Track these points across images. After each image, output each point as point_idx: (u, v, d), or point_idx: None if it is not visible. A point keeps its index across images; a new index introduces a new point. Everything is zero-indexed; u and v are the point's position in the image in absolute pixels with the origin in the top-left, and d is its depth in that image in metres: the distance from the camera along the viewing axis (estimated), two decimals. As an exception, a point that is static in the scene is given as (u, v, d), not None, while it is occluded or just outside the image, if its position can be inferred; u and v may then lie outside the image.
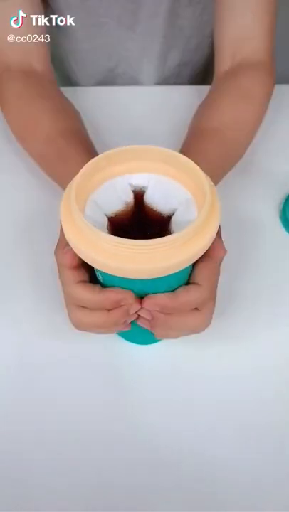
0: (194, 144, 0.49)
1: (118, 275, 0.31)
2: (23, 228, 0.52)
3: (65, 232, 0.32)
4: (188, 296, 0.34)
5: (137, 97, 0.67)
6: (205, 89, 0.59)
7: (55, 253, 0.37)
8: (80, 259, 0.33)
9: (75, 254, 0.33)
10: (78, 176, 0.32)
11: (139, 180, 0.35)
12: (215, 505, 0.38)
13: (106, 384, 0.43)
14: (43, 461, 0.39)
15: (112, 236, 0.29)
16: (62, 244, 0.35)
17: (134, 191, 0.35)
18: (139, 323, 0.37)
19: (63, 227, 0.32)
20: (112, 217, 0.34)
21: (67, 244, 0.33)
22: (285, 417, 0.42)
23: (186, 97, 0.65)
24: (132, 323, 0.38)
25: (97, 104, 0.64)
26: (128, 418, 0.41)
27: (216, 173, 0.47)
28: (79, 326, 0.37)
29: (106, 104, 0.65)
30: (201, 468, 0.39)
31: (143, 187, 0.35)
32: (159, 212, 0.35)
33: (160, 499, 0.38)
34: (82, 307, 0.36)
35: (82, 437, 0.40)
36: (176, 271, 0.31)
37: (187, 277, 0.35)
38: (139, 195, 0.35)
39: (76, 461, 0.39)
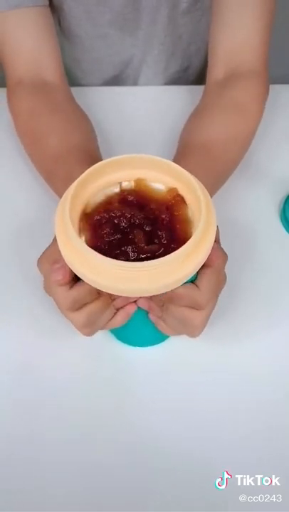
0: (184, 160, 0.48)
1: (117, 294, 0.31)
2: (24, 230, 0.53)
3: (63, 254, 0.32)
4: (183, 290, 0.35)
5: (138, 97, 0.68)
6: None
7: (38, 264, 0.37)
8: (71, 271, 0.33)
9: (68, 271, 0.33)
10: (70, 190, 0.32)
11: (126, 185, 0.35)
12: (214, 507, 0.38)
13: (104, 386, 0.43)
14: (41, 463, 0.40)
15: (112, 259, 0.29)
16: (51, 258, 0.35)
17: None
18: (139, 303, 0.38)
19: (60, 248, 0.31)
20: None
21: (58, 259, 0.33)
22: (286, 419, 0.41)
23: (187, 98, 0.65)
24: (129, 323, 0.39)
25: (98, 103, 0.64)
26: (127, 420, 0.41)
27: (209, 190, 0.47)
28: (89, 324, 0.37)
29: (106, 104, 0.65)
30: (201, 469, 0.39)
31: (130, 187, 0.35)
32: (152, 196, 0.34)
33: (160, 501, 0.38)
34: (83, 306, 0.36)
35: (81, 439, 0.41)
36: (178, 285, 0.31)
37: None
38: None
39: (75, 461, 0.39)
